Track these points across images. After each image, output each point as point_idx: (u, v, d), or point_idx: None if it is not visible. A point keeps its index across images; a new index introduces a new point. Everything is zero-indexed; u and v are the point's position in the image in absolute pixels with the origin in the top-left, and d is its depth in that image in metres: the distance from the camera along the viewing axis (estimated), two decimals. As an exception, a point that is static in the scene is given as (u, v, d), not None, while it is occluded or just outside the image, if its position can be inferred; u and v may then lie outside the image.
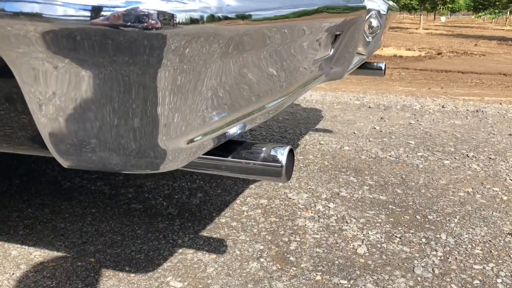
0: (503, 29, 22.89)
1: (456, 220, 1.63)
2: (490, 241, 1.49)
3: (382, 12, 1.71)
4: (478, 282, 1.27)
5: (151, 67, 0.59)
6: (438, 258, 1.38)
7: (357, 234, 1.51)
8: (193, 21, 0.58)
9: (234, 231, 1.51)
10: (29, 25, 0.57)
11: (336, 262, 1.35)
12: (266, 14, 0.74)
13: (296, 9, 0.85)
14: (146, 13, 0.55)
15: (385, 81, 5.16)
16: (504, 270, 1.33)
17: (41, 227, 1.51)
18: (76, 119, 0.66)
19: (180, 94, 0.64)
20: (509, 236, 1.52)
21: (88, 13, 0.55)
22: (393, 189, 1.89)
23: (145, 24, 0.55)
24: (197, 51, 0.62)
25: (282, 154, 0.84)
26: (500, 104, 3.79)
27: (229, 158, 0.86)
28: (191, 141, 0.73)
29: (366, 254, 1.40)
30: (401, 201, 1.77)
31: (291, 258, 1.36)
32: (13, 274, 1.27)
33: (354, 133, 2.73)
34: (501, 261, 1.37)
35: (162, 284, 1.23)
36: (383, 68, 2.19)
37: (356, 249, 1.42)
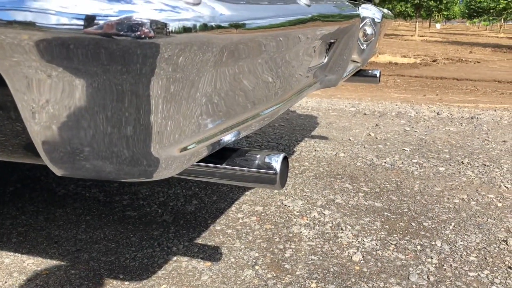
0: (498, 36, 23.10)
1: (451, 227, 1.63)
2: (485, 248, 1.49)
3: (376, 20, 1.73)
4: (473, 289, 1.27)
5: (144, 76, 0.59)
6: (433, 265, 1.38)
7: (352, 241, 1.51)
8: (186, 30, 0.58)
9: (229, 238, 1.51)
10: (23, 34, 0.57)
11: (331, 269, 1.35)
12: (260, 23, 0.74)
13: (290, 18, 0.86)
14: (139, 22, 0.56)
15: (381, 88, 5.19)
16: (499, 277, 1.33)
17: (34, 235, 1.50)
18: (69, 128, 0.66)
19: (173, 102, 0.65)
20: (504, 243, 1.52)
21: (82, 22, 0.56)
22: (388, 196, 1.89)
23: (138, 33, 0.56)
24: (190, 60, 0.62)
25: (276, 162, 0.85)
26: (495, 111, 3.82)
27: (224, 166, 0.86)
28: (185, 149, 0.73)
29: (361, 261, 1.39)
30: (396, 208, 1.77)
31: (286, 266, 1.36)
32: (5, 282, 1.26)
33: (350, 139, 2.74)
34: (496, 268, 1.37)
35: (157, 292, 1.23)
36: (378, 75, 2.21)
37: (351, 257, 1.42)
